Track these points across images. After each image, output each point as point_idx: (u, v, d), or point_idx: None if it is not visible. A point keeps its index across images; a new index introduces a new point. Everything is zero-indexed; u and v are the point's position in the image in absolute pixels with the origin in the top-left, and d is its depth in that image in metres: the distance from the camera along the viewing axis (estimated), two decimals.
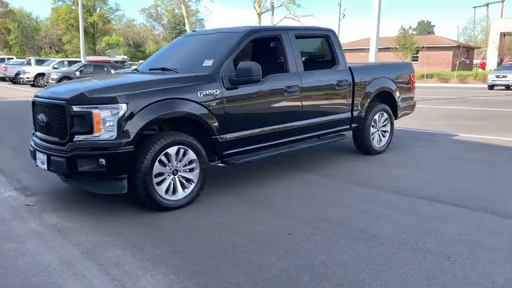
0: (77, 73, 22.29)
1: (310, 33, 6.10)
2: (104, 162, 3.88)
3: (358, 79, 6.05)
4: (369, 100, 6.27)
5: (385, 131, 6.71)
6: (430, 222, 3.90)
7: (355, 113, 6.12)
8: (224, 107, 4.55)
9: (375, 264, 3.08)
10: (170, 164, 4.22)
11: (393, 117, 6.79)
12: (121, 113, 3.89)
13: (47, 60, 29.97)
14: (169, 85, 4.30)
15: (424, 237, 3.54)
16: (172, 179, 4.26)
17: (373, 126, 6.45)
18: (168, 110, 4.14)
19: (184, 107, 4.25)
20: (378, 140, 6.60)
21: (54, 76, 22.45)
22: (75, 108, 3.92)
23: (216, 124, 4.49)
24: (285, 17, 38.45)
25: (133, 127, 3.94)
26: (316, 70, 5.67)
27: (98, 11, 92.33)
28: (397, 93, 6.76)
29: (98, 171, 3.93)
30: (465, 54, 42.87)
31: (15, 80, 27.32)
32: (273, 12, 37.43)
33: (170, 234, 3.68)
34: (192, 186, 4.39)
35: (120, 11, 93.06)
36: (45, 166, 4.20)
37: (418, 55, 44.15)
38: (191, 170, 4.39)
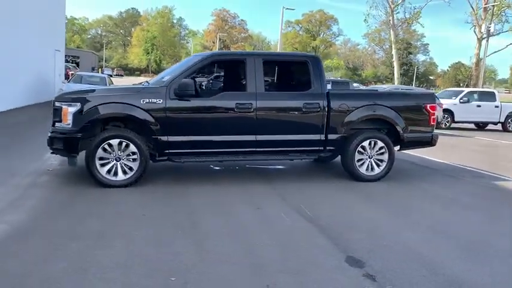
0: None
1: (285, 58, 6.59)
2: (63, 142, 5.55)
3: (335, 104, 6.22)
4: (350, 126, 6.32)
5: (380, 160, 6.54)
6: None
7: (332, 137, 6.28)
8: (166, 114, 5.67)
9: None
10: (114, 152, 5.60)
11: (393, 147, 6.53)
12: (76, 110, 5.48)
13: None
14: (120, 93, 5.72)
15: None
16: (114, 164, 5.62)
17: (360, 153, 6.42)
18: (110, 111, 5.54)
19: (126, 110, 5.57)
20: (368, 168, 6.50)
21: None
22: (57, 103, 5.69)
23: (158, 127, 5.66)
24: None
25: (82, 120, 5.48)
26: (282, 92, 6.18)
27: (321, 36, 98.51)
28: (400, 123, 6.49)
29: (61, 149, 5.61)
30: None
31: None
32: (488, 37, 34.51)
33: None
34: (131, 173, 5.66)
35: (341, 36, 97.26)
36: None
37: None
38: (134, 160, 5.66)
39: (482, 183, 6.97)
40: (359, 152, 6.42)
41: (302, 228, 4.38)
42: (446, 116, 17.56)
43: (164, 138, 5.72)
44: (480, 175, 7.60)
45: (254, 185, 6.04)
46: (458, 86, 65.96)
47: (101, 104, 5.54)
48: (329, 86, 20.18)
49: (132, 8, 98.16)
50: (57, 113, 5.62)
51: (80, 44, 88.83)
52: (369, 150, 6.46)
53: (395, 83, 39.52)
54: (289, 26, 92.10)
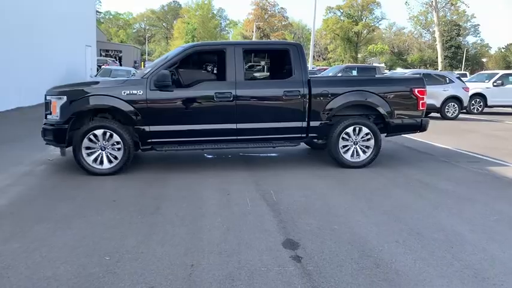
0: None
1: (266, 47, 6.63)
2: (52, 134, 5.94)
3: (316, 91, 6.24)
4: (333, 112, 6.32)
5: (367, 146, 6.50)
6: None
7: (314, 124, 6.31)
8: (147, 105, 5.92)
9: None
10: (99, 142, 5.93)
11: (379, 133, 6.47)
12: (63, 103, 5.85)
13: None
14: (104, 86, 6.02)
15: None
16: (100, 153, 5.96)
17: (344, 139, 6.42)
18: (93, 103, 5.87)
19: (110, 102, 5.87)
20: (353, 154, 6.48)
21: None
22: (47, 97, 6.08)
23: (139, 117, 5.93)
24: None
25: (68, 112, 5.84)
26: (262, 81, 6.28)
27: (363, 20, 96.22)
28: (387, 109, 6.41)
29: (51, 139, 6.01)
30: None
31: None
32: None
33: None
34: (116, 162, 5.98)
35: (385, 20, 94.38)
36: None
37: None
38: (118, 149, 5.97)
39: (473, 168, 6.75)
40: (343, 138, 6.41)
41: (259, 213, 4.50)
42: (478, 100, 16.87)
43: (146, 128, 5.98)
44: (476, 160, 7.37)
45: (235, 173, 6.19)
46: (508, 68, 62.49)
47: (85, 97, 5.87)
48: (354, 73, 19.97)
49: (174, 1, 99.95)
50: (48, 106, 6.01)
51: (124, 39, 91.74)
52: (353, 137, 6.44)
53: (439, 67, 38.09)
54: (330, 12, 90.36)
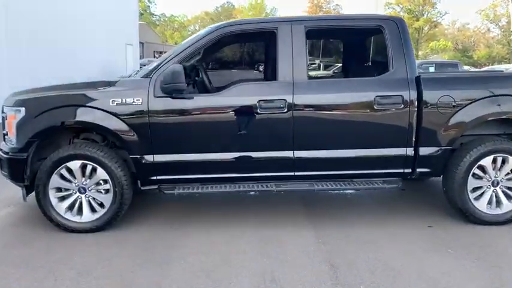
0: None
1: (346, 24, 4.05)
2: (7, 165, 3.79)
3: (432, 96, 3.67)
4: (460, 131, 3.73)
5: None
6: None
7: (426, 151, 3.75)
8: (150, 120, 3.63)
9: None
10: (76, 181, 3.71)
11: None
12: (20, 118, 3.68)
13: None
14: (81, 91, 3.78)
15: None
16: (77, 198, 3.74)
17: (477, 177, 3.80)
18: (61, 119, 3.65)
19: (86, 117, 3.62)
20: (491, 201, 3.85)
21: None
22: (4, 109, 3.95)
23: (137, 140, 3.64)
24: None
25: (26, 133, 3.68)
26: (337, 79, 3.82)
27: (425, 16, 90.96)
28: None
29: (6, 174, 3.87)
30: None
31: None
32: None
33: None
34: (103, 211, 3.74)
35: (448, 14, 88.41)
36: None
37: None
38: (106, 192, 3.73)
39: None
40: (475, 175, 3.79)
41: None
42: None
43: (149, 157, 3.69)
44: None
45: (286, 226, 3.77)
46: None
47: (51, 109, 3.65)
48: (432, 69, 16.45)
49: (227, 2, 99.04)
50: (4, 123, 3.88)
51: (179, 40, 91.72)
52: (492, 173, 3.80)
53: None
54: (388, 8, 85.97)
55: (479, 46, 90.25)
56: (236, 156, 3.70)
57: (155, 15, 79.32)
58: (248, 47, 5.04)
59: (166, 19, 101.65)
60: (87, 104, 3.60)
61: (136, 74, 4.02)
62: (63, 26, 12.97)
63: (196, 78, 4.42)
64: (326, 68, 6.94)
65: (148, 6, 75.86)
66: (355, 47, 4.74)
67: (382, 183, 3.84)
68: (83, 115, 3.60)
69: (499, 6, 73.67)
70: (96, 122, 3.59)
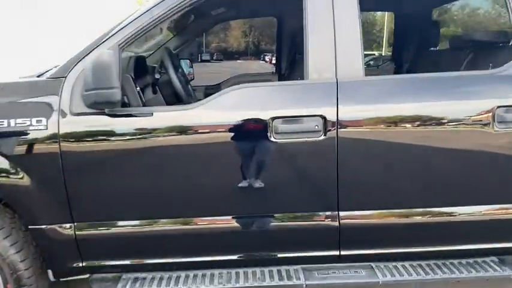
0: None
1: None
2: None
3: None
4: None
5: None
6: None
7: None
8: (63, 160, 1.87)
9: None
10: None
11: None
12: None
13: None
14: None
15: None
16: None
17: None
18: None
19: None
20: None
21: None
22: None
23: (38, 196, 1.90)
24: None
25: None
26: (415, 76, 2.06)
27: None
28: None
29: None
30: None
31: None
32: None
33: None
34: None
35: None
36: None
37: None
38: None
39: None
40: None
41: None
42: None
43: (66, 227, 1.93)
44: None
45: None
46: None
47: None
48: None
49: None
50: None
51: None
52: None
53: None
54: None
55: None
56: (231, 223, 1.96)
57: None
58: (250, 25, 3.29)
59: None
60: None
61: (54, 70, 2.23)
62: None
63: (151, 73, 2.66)
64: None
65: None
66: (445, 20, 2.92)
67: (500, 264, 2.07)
68: None
69: None
70: None
